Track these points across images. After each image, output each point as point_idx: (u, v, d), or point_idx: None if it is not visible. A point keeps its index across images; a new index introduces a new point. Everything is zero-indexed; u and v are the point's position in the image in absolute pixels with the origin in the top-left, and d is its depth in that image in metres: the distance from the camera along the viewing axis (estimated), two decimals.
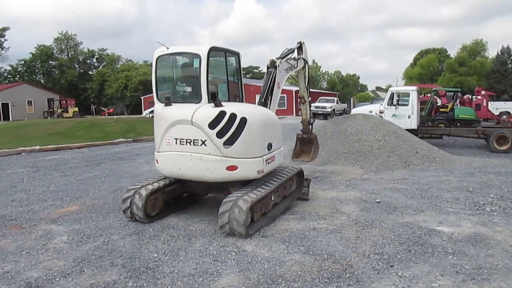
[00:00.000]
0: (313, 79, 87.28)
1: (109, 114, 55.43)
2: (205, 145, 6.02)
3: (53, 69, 77.77)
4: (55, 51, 77.34)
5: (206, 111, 6.04)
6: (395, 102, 16.04)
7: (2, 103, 45.65)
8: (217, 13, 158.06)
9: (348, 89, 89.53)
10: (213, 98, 6.06)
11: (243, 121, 6.02)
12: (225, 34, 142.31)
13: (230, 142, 5.99)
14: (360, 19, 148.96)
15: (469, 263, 4.78)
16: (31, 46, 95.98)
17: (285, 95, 42.89)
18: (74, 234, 5.96)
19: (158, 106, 6.54)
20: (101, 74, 76.64)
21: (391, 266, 4.70)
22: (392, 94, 16.29)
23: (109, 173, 11.07)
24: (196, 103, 6.24)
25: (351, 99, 37.70)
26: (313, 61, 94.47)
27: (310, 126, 10.01)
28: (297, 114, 40.34)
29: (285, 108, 42.52)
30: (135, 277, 4.50)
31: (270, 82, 7.70)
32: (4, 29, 71.46)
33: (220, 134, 5.97)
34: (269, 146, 6.51)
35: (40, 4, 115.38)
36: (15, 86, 50.03)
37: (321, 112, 35.38)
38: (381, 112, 16.37)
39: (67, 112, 45.72)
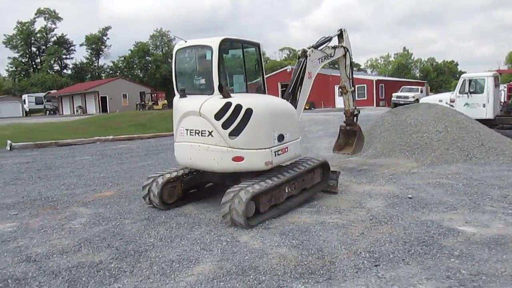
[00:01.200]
0: (404, 67, 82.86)
1: None
2: (212, 136, 6.11)
3: (149, 64, 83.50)
4: (150, 48, 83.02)
5: (213, 102, 6.12)
6: (467, 90, 14.65)
7: (101, 97, 50.24)
8: (309, 4, 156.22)
9: (443, 77, 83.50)
10: (220, 89, 6.11)
11: (249, 112, 6.00)
12: (316, 24, 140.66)
13: (235, 133, 6.01)
14: (462, 1, 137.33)
15: (469, 268, 4.29)
16: (130, 43, 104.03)
17: (365, 85, 41.33)
18: (94, 216, 6.46)
19: (175, 98, 6.76)
20: None
21: (375, 266, 4.40)
22: (464, 81, 14.88)
23: (161, 162, 11.71)
24: (209, 94, 6.33)
25: (422, 87, 34.84)
26: (404, 48, 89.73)
27: (355, 117, 9.63)
28: (377, 105, 38.71)
29: (365, 98, 40.90)
30: (120, 259, 4.76)
31: (300, 72, 7.57)
32: (107, 28, 78.64)
33: (225, 125, 6.01)
34: (280, 138, 6.39)
35: (139, 3, 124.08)
36: (112, 81, 54.71)
37: (402, 102, 33.31)
38: (452, 101, 15.06)
39: (157, 104, 48.77)
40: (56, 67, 76.16)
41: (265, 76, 7.33)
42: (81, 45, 77.03)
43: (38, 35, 73.62)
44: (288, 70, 41.30)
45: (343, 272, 4.27)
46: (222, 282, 4.11)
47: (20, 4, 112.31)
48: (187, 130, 6.41)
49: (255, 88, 7.12)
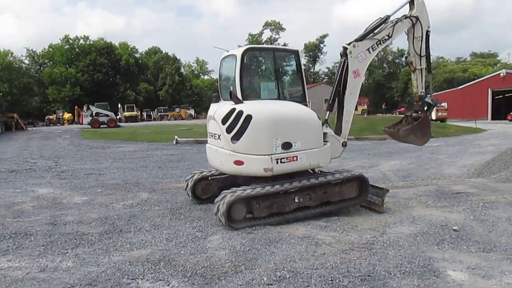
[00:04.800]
0: None
1: (399, 113, 55.93)
2: (220, 139, 6.56)
3: (366, 70, 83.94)
4: None
5: (224, 108, 6.55)
6: None
7: None
8: None
9: None
10: (231, 96, 6.50)
11: (248, 118, 6.18)
12: None
13: (236, 137, 6.28)
14: None
15: None
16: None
17: None
18: (140, 201, 7.75)
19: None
20: (407, 73, 77.49)
21: (267, 285, 4.19)
22: None
23: None
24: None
25: None
26: None
27: (425, 104, 7.85)
28: None
29: None
30: (104, 234, 5.79)
31: (341, 74, 7.14)
32: (324, 36, 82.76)
33: (229, 129, 6.35)
34: (286, 145, 6.29)
35: (370, 10, 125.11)
36: (315, 86, 57.65)
37: None
38: None
39: (356, 110, 48.97)
40: None
41: (305, 83, 7.21)
42: None
43: (264, 45, 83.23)
44: (501, 74, 35.33)
45: (227, 281, 4.24)
46: (129, 265, 4.66)
47: (254, 19, 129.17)
48: (209, 133, 7.02)
49: (289, 94, 7.14)
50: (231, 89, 7.08)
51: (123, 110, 55.06)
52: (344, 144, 7.34)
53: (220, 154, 6.59)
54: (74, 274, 4.44)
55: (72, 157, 14.49)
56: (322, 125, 7.31)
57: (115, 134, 24.97)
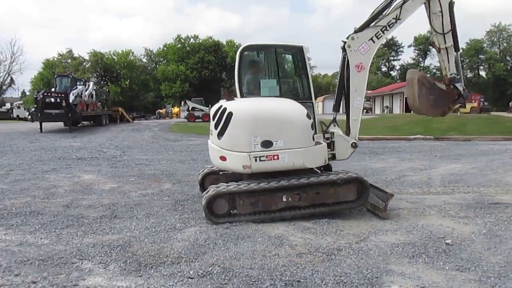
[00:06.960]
0: None
1: None
2: (212, 134, 6.76)
3: (482, 64, 76.61)
4: (485, 45, 75.79)
5: (217, 105, 6.75)
6: None
7: (405, 97, 50.68)
8: None
9: None
10: (223, 93, 6.68)
11: (229, 115, 6.27)
12: None
13: (221, 133, 6.43)
14: None
15: None
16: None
17: None
18: (159, 191, 8.31)
19: None
20: None
21: (188, 278, 4.30)
22: None
23: None
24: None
25: None
26: None
27: (455, 90, 6.81)
28: None
29: None
30: (101, 218, 6.38)
31: (343, 71, 6.85)
32: None
33: (216, 126, 6.54)
34: (266, 144, 6.20)
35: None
36: None
37: None
38: None
39: (464, 107, 44.89)
40: (384, 69, 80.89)
41: (310, 79, 7.04)
42: (409, 46, 78.85)
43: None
44: None
45: (156, 270, 4.45)
46: (91, 248, 5.10)
47: (368, 11, 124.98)
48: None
49: (291, 92, 7.07)
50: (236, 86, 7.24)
51: None
52: (354, 145, 7.03)
53: (212, 149, 6.80)
54: (40, 250, 5.01)
55: (141, 148, 15.87)
56: (330, 124, 7.13)
57: (198, 128, 26.48)
